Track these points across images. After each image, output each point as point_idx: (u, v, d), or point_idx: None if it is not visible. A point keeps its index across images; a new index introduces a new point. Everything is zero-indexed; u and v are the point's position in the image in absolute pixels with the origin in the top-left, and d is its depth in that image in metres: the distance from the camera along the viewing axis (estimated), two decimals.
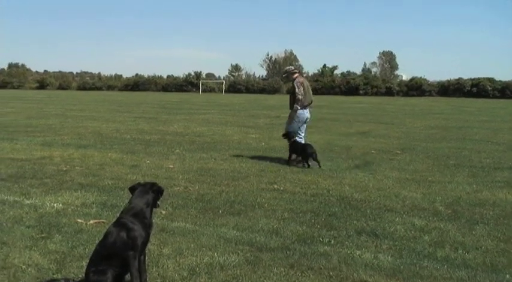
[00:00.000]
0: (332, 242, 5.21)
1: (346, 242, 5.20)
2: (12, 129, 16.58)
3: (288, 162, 10.16)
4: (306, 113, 10.69)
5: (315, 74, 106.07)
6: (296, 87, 10.53)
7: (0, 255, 4.64)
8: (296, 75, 10.89)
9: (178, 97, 60.66)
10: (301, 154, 10.07)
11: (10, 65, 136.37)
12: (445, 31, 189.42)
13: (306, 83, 10.88)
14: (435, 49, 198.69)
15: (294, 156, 10.23)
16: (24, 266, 4.38)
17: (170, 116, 24.82)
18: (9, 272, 4.28)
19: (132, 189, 4.22)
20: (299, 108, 10.47)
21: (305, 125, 10.93)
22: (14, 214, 6.03)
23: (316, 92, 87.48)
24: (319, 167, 9.66)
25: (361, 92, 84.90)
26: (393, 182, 8.38)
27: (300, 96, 10.42)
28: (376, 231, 5.57)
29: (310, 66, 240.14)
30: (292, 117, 10.67)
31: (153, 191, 4.18)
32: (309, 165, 9.76)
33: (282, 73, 11.14)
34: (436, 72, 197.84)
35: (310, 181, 8.33)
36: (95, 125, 18.45)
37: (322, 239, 5.29)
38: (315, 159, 9.79)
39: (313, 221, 5.99)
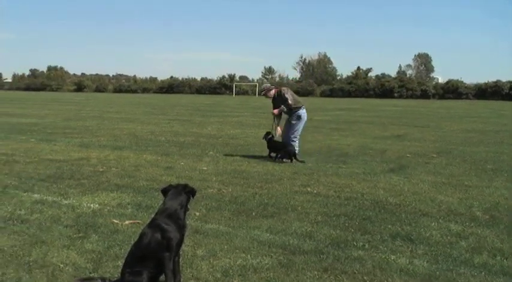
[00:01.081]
0: (366, 246, 5.16)
1: (381, 247, 5.14)
2: (51, 130, 16.99)
3: (270, 157, 11.17)
4: (306, 113, 11.61)
5: (348, 77, 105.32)
6: (284, 93, 11.34)
7: (39, 254, 4.75)
8: (273, 91, 11.72)
9: (212, 99, 61.10)
10: (282, 151, 10.86)
11: (49, 68, 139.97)
12: (482, 33, 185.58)
13: (291, 91, 11.72)
14: (472, 51, 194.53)
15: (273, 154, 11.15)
16: (62, 265, 4.48)
17: (204, 118, 25.01)
18: (47, 270, 4.38)
19: (164, 192, 4.26)
20: (285, 109, 11.26)
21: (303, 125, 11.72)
22: (52, 214, 6.18)
23: (349, 94, 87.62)
24: (291, 162, 10.61)
25: (395, 94, 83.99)
26: (429, 186, 8.24)
27: (289, 101, 11.17)
28: (412, 236, 5.49)
29: (344, 68, 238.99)
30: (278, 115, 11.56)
31: (186, 193, 4.21)
32: (291, 161, 10.65)
33: (260, 90, 12.08)
34: (473, 74, 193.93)
35: (344, 184, 8.27)
36: (131, 127, 18.73)
37: (356, 243, 5.25)
38: (295, 156, 10.76)
39: (347, 224, 5.94)
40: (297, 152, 11.02)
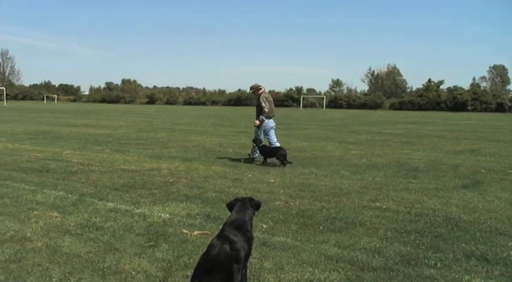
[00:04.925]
0: (438, 264, 4.98)
1: (454, 266, 4.95)
2: (124, 141, 17.62)
3: (263, 163, 12.14)
4: (270, 123, 12.62)
5: (418, 89, 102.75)
6: (262, 101, 12.38)
7: (112, 261, 4.92)
8: (261, 90, 12.73)
9: (279, 112, 61.33)
10: (276, 155, 11.93)
11: (123, 81, 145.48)
12: None
13: (270, 98, 12.76)
14: None
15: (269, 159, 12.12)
16: (134, 272, 4.62)
17: None
18: (120, 276, 4.52)
19: (230, 206, 4.33)
20: (264, 119, 12.40)
21: (274, 132, 12.75)
22: (125, 222, 6.39)
23: (419, 107, 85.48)
24: (284, 165, 11.65)
25: (469, 107, 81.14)
26: (505, 204, 7.87)
27: (266, 109, 12.34)
28: (487, 256, 5.25)
29: (414, 81, 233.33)
30: (259, 126, 12.50)
31: (252, 206, 4.28)
32: (284, 164, 11.70)
33: (250, 88, 12.48)
34: None
35: (415, 200, 8.05)
36: (200, 139, 19.10)
37: (428, 261, 5.08)
38: (286, 159, 11.77)
39: (417, 241, 5.78)
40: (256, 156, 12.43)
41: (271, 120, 12.64)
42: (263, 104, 12.33)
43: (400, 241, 5.77)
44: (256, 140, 12.52)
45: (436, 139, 20.97)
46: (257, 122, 12.49)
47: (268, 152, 12.20)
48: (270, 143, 12.53)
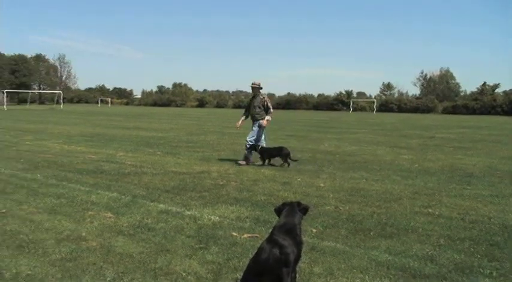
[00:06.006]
0: (494, 274, 4.82)
1: (511, 276, 4.79)
2: (175, 144, 17.93)
3: (267, 164, 12.39)
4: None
5: (473, 93, 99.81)
6: (268, 102, 12.80)
7: (164, 262, 5.01)
8: (261, 91, 13.05)
9: (328, 116, 60.92)
10: (281, 156, 12.26)
11: (174, 85, 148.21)
12: None
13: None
14: None
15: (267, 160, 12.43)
16: (184, 274, 4.69)
17: (320, 134, 24.98)
18: (171, 278, 4.60)
19: (278, 210, 4.35)
20: (270, 120, 12.94)
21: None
22: (176, 224, 6.50)
23: (474, 111, 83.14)
24: (288, 166, 12.03)
25: None
26: None
27: (272, 110, 12.87)
28: None
29: (468, 84, 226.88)
30: (264, 126, 12.90)
31: (300, 210, 4.29)
32: (289, 164, 12.06)
33: (255, 84, 12.95)
34: None
35: (469, 207, 7.82)
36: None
37: (483, 270, 4.93)
38: (290, 158, 12.19)
39: (472, 249, 5.61)
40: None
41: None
42: (269, 105, 12.75)
43: (453, 249, 5.62)
44: (255, 146, 12.67)
45: (492, 144, 20.30)
46: (265, 123, 12.77)
47: (269, 153, 12.48)
48: (252, 139, 12.83)
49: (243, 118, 13.42)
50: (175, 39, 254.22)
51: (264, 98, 12.85)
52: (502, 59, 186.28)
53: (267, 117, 12.77)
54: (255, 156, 12.81)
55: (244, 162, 12.52)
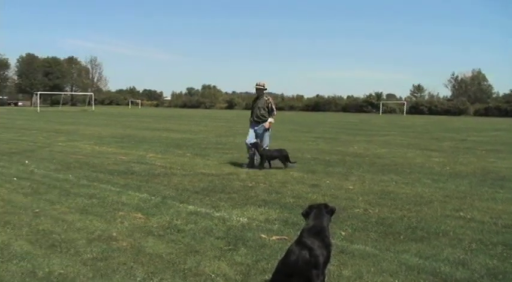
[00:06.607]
0: None
1: None
2: (204, 146, 18.04)
3: (264, 166, 12.21)
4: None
5: (506, 95, 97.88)
6: (272, 103, 12.74)
7: (193, 263, 5.05)
8: (265, 92, 12.85)
9: (358, 118, 60.44)
10: (280, 158, 12.34)
11: (204, 87, 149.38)
12: None
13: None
14: None
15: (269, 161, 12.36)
16: (213, 275, 4.71)
17: (350, 136, 24.80)
18: (200, 279, 4.63)
19: (306, 214, 4.35)
20: (273, 121, 12.84)
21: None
22: (205, 225, 6.54)
23: (506, 114, 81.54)
24: (285, 167, 12.15)
25: None
26: None
27: (275, 112, 12.80)
28: None
29: (501, 86, 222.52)
30: (269, 128, 12.74)
31: (327, 211, 4.30)
32: (286, 166, 12.18)
33: (258, 84, 12.63)
34: None
35: (501, 210, 7.67)
36: (278, 145, 19.10)
37: None
38: (289, 160, 12.36)
39: (505, 254, 5.49)
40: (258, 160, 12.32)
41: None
42: (273, 106, 12.69)
43: (485, 253, 5.52)
44: (256, 146, 12.40)
45: None
46: (267, 125, 12.62)
47: (271, 155, 12.40)
48: (261, 145, 12.52)
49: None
50: (204, 41, 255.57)
51: (268, 99, 12.70)
52: None
53: (270, 120, 12.64)
54: (244, 153, 12.92)
55: (256, 168, 12.12)
